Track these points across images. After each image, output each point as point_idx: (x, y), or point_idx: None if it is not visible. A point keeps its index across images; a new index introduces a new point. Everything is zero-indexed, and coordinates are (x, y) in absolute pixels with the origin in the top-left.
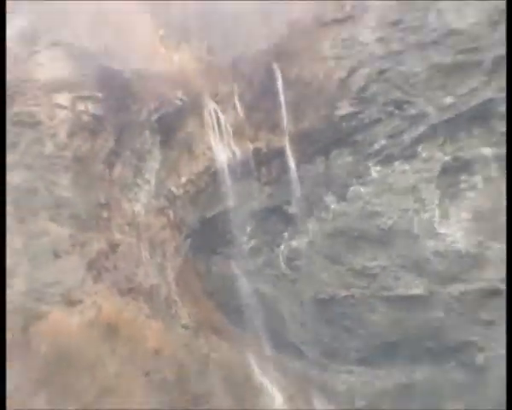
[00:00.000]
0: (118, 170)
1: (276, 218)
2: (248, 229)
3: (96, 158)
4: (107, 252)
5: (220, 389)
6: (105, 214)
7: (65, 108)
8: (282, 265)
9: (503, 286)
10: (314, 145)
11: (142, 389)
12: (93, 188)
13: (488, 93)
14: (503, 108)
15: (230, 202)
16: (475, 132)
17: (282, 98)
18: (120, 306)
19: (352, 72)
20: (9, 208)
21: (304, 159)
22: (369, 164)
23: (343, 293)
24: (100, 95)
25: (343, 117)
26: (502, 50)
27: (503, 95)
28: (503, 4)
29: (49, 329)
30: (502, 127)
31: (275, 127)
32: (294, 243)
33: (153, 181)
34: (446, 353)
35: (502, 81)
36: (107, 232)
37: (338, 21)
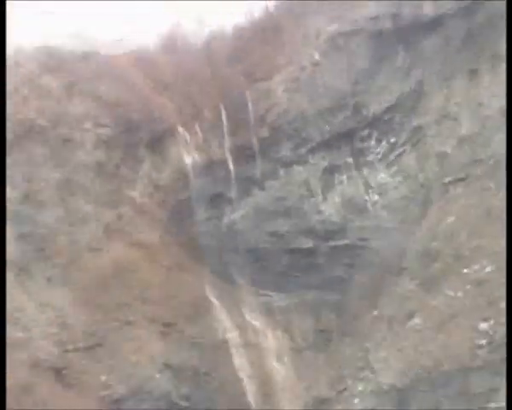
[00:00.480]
0: (123, 170)
1: (221, 201)
2: (204, 207)
3: (110, 162)
4: (118, 219)
5: (186, 309)
6: (114, 197)
7: (90, 130)
8: (227, 228)
9: (360, 243)
10: (245, 157)
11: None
12: (108, 181)
13: (352, 124)
14: (362, 133)
15: (194, 189)
16: (343, 148)
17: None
18: (130, 253)
19: (267, 110)
20: (56, 193)
21: (239, 164)
22: (278, 166)
23: (265, 245)
24: (112, 123)
25: (265, 140)
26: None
27: (362, 124)
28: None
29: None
30: (359, 145)
31: (220, 146)
32: (234, 215)
33: (147, 177)
34: (323, 282)
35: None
36: (116, 207)
37: (259, 80)
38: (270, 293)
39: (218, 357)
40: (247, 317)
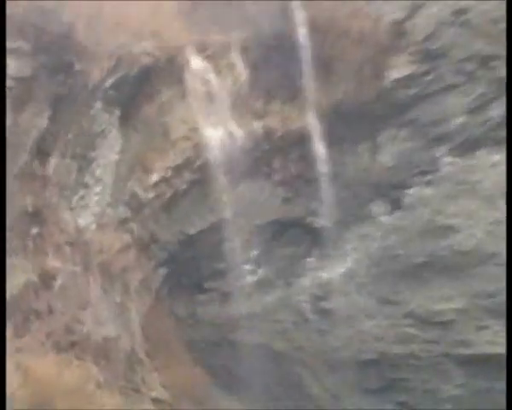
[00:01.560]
0: (54, 162)
1: (295, 235)
2: (253, 253)
3: (20, 144)
4: (38, 287)
5: None
6: (34, 230)
7: None
8: (305, 307)
9: None
10: (354, 125)
11: None
12: (16, 190)
13: None
14: None
15: (226, 212)
16: None
17: (305, 53)
18: (58, 369)
19: (412, 12)
20: None
21: (338, 146)
22: (438, 153)
23: (398, 350)
24: (27, 46)
25: (398, 82)
26: None
27: None
28: None
29: None
30: None
31: (294, 97)
32: (324, 274)
33: (108, 179)
34: None
35: None
36: (38, 257)
37: None
38: None
39: None
40: None
